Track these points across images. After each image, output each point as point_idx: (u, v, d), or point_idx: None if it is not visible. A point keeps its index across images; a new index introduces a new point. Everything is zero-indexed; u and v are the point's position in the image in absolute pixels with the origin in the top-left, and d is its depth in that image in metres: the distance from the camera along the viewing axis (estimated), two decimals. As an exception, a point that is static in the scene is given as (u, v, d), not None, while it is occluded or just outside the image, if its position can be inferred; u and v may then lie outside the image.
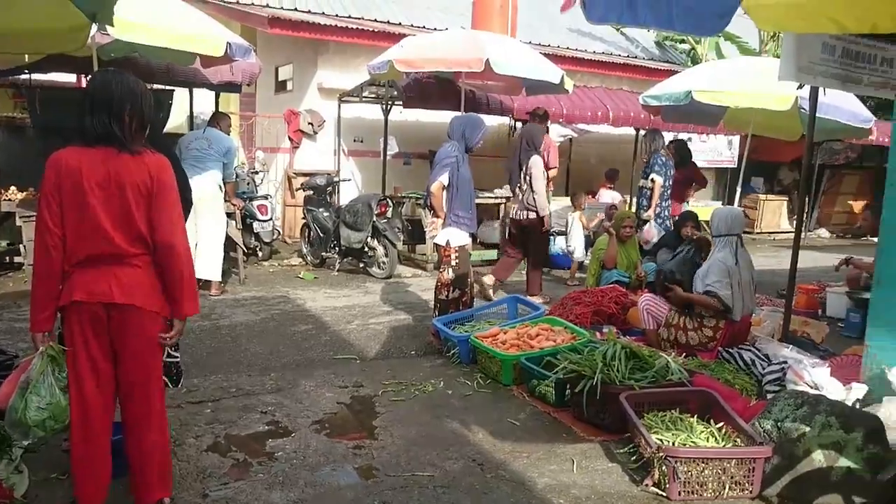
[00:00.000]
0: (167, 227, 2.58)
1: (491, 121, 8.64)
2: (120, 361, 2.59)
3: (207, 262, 6.72)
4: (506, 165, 7.59)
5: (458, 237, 5.31)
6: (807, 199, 13.37)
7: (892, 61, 4.54)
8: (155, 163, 2.57)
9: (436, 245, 5.49)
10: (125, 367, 2.60)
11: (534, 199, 6.76)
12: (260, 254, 8.72)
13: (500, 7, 10.78)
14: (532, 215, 6.85)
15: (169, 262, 2.59)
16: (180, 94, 8.87)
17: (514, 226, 7.19)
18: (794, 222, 5.63)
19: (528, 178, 6.75)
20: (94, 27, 4.23)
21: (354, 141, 11.05)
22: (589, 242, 8.64)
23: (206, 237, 6.66)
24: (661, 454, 3.12)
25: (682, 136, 12.44)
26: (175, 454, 3.32)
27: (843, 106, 7.21)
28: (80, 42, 4.50)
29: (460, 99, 8.33)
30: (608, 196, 11.33)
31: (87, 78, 2.37)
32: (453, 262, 5.34)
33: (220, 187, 6.84)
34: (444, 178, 5.21)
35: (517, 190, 6.94)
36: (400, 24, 12.34)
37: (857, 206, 15.24)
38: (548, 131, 8.63)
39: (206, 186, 6.54)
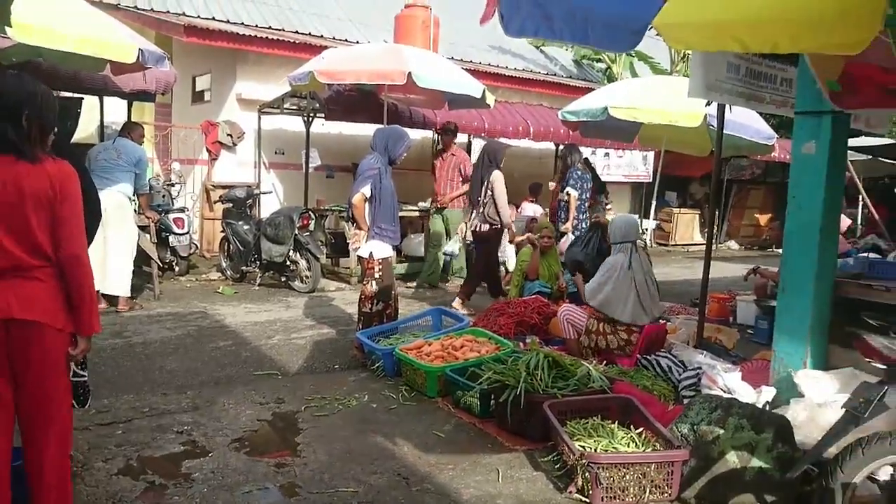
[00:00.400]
0: (72, 239, 2.43)
1: (414, 134, 8.66)
2: (21, 382, 2.41)
3: (117, 277, 6.45)
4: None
5: (381, 249, 5.27)
6: (717, 212, 13.99)
7: (791, 82, 4.82)
8: (57, 171, 2.41)
9: (359, 257, 5.44)
10: (27, 388, 2.42)
11: (495, 211, 7.02)
12: (176, 268, 8.40)
13: (422, 23, 10.86)
14: (486, 227, 7.13)
15: (74, 276, 2.45)
16: (90, 103, 8.49)
17: (473, 237, 7.44)
18: (706, 234, 5.86)
19: (489, 191, 6.98)
20: (-8, 29, 3.99)
21: (276, 153, 10.85)
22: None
23: (114, 250, 6.38)
24: (583, 461, 3.17)
25: (600, 151, 12.87)
26: (83, 479, 3.14)
27: (748, 124, 7.61)
28: (-27, 44, 4.24)
29: (383, 112, 8.31)
30: (531, 209, 11.51)
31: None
32: (377, 275, 5.28)
33: (130, 198, 6.59)
34: (366, 190, 5.16)
35: (479, 203, 7.13)
36: (321, 36, 12.24)
37: (763, 219, 16.09)
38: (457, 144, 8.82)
39: (111, 197, 6.29)
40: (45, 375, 2.44)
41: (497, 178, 6.97)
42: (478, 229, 7.21)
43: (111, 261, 6.39)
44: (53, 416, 2.50)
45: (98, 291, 5.89)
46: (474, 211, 7.20)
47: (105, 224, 6.17)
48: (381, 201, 5.19)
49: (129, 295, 6.65)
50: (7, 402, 2.41)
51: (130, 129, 6.82)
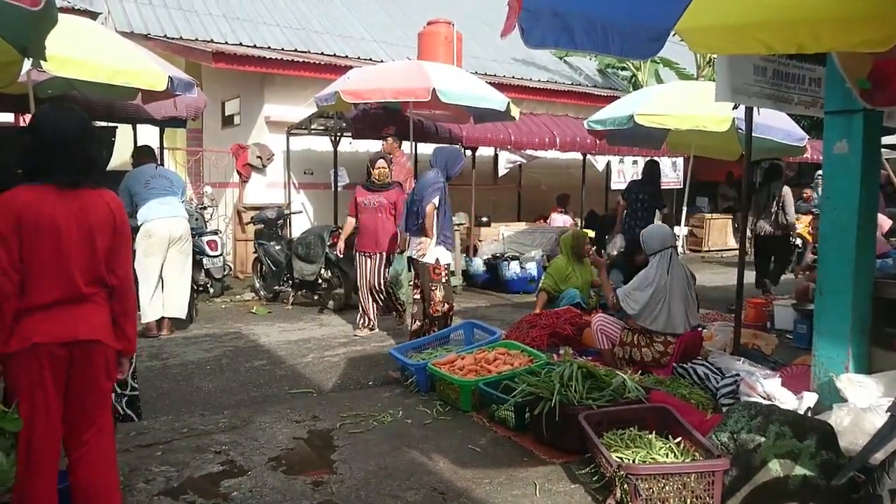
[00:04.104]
0: (125, 266, 2.58)
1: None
2: (77, 399, 2.48)
3: (180, 300, 6.61)
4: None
5: (445, 255, 5.74)
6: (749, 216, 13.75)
7: (820, 81, 4.75)
8: (114, 201, 2.56)
9: (424, 264, 5.75)
10: (84, 404, 2.50)
11: (786, 219, 8.25)
12: (211, 290, 8.53)
13: (444, 38, 10.95)
14: (780, 232, 8.35)
15: (124, 301, 2.58)
16: (123, 131, 8.70)
17: (762, 241, 8.55)
18: (739, 239, 5.78)
19: (781, 203, 8.22)
20: (28, 64, 4.12)
21: (305, 173, 11.00)
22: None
23: (178, 275, 6.54)
24: (621, 472, 3.12)
25: (628, 158, 12.77)
26: (125, 500, 3.18)
27: (778, 126, 7.50)
28: (10, 78, 4.36)
29: (409, 128, 8.36)
30: (560, 220, 11.51)
31: (33, 115, 2.30)
32: (443, 279, 5.70)
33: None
34: (436, 201, 5.61)
35: (770, 213, 8.35)
36: (346, 56, 12.41)
37: (804, 220, 15.74)
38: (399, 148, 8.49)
39: (181, 224, 6.50)
40: (101, 391, 2.55)
41: (787, 192, 8.25)
42: (770, 234, 8.34)
43: (177, 285, 6.55)
44: (107, 432, 2.60)
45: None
46: (760, 220, 8.39)
47: (171, 250, 6.37)
48: (445, 212, 5.68)
49: (184, 318, 6.81)
50: (59, 423, 2.48)
51: (154, 156, 6.91)
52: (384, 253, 6.67)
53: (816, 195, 11.29)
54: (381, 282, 6.71)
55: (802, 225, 10.82)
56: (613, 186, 13.30)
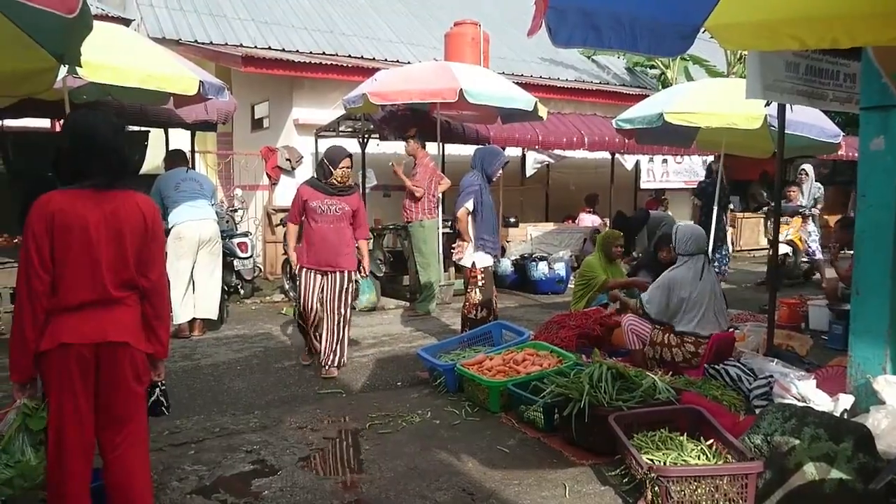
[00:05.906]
0: (159, 270, 2.60)
1: (469, 150, 8.70)
2: (107, 401, 2.51)
3: (211, 302, 6.70)
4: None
5: (482, 259, 5.67)
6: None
7: (855, 77, 4.64)
8: (146, 204, 2.59)
9: (461, 267, 5.86)
10: (114, 406, 2.52)
11: None
12: (241, 291, 8.62)
13: (471, 39, 10.93)
14: None
15: (158, 304, 2.60)
16: (156, 135, 8.85)
17: None
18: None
19: None
20: (64, 70, 4.21)
21: (333, 175, 11.05)
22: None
23: (208, 276, 6.63)
24: (652, 474, 3.09)
25: (658, 157, 12.66)
26: (158, 499, 3.23)
27: (811, 122, 7.35)
28: (47, 84, 4.46)
29: (436, 130, 8.37)
30: (588, 220, 11.44)
31: (65, 120, 2.37)
32: (479, 283, 5.66)
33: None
34: (469, 205, 5.56)
35: None
36: (373, 58, 12.46)
37: (832, 220, 15.45)
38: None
39: (210, 227, 6.57)
40: (131, 393, 2.55)
41: None
42: None
43: (208, 286, 6.64)
44: (139, 433, 2.62)
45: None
46: None
47: (201, 253, 6.46)
48: (482, 215, 5.60)
49: (215, 318, 6.91)
50: (90, 424, 2.51)
51: (185, 160, 7.01)
52: (346, 272, 5.31)
53: (802, 194, 10.09)
54: (343, 305, 5.32)
55: (793, 230, 9.78)
56: (643, 186, 13.21)
